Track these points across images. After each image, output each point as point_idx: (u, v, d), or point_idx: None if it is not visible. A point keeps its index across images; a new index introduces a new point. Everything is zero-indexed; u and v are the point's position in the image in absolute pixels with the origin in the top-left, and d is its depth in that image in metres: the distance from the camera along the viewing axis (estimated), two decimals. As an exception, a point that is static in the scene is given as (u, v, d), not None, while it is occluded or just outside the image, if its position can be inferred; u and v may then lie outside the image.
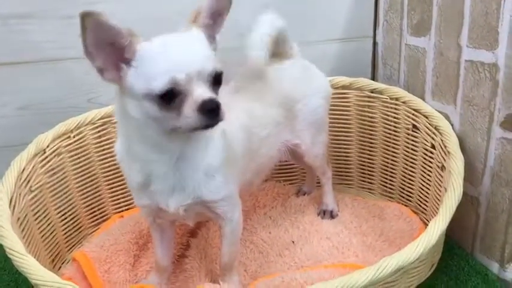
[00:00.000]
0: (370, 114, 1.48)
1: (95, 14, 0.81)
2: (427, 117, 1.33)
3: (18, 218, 1.11)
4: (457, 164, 1.16)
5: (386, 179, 1.50)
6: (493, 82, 1.14)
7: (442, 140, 1.25)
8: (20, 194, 1.14)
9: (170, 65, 0.86)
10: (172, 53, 0.88)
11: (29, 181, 1.19)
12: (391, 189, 1.50)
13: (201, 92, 0.87)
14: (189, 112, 0.86)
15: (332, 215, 1.42)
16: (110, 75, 0.88)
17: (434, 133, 1.29)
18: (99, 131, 1.37)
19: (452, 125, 1.28)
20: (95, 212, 1.40)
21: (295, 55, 1.31)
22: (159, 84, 0.84)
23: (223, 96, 0.94)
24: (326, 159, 1.40)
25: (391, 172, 1.49)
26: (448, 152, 1.21)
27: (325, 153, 1.38)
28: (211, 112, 0.86)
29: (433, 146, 1.30)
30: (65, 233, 1.32)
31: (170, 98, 0.86)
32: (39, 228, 1.21)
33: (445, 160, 1.22)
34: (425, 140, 1.34)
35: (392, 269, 0.99)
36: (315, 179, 1.51)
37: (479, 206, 1.24)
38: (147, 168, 0.97)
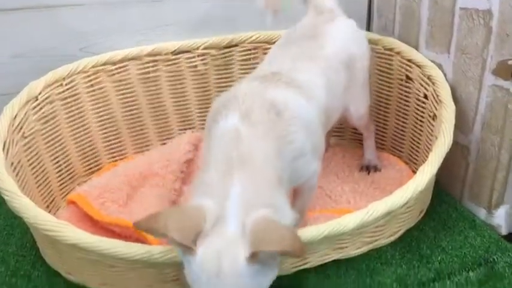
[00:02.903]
0: (364, 65, 1.48)
1: None
2: (420, 68, 1.32)
3: (12, 163, 1.12)
4: (448, 113, 1.17)
5: (379, 130, 1.50)
6: (487, 29, 1.13)
7: (434, 90, 1.26)
8: (13, 140, 1.14)
9: None
10: None
11: (21, 127, 1.19)
12: (383, 140, 1.51)
13: None
14: None
15: (376, 170, 1.40)
16: None
17: (427, 83, 1.30)
18: (91, 80, 1.36)
19: (445, 74, 1.28)
20: (89, 160, 1.41)
21: (341, 13, 1.30)
22: None
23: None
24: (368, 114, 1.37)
25: (383, 123, 1.49)
26: (440, 101, 1.21)
27: (368, 110, 1.35)
28: None
29: (425, 96, 1.31)
30: (59, 181, 1.33)
31: None
32: (33, 174, 1.22)
33: (436, 109, 1.23)
34: (418, 91, 1.34)
35: (380, 213, 1.01)
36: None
37: (469, 154, 1.26)
38: None
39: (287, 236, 0.77)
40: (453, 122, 1.15)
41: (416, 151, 1.37)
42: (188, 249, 0.76)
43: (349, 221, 0.98)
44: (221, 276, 0.75)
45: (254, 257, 0.76)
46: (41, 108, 1.26)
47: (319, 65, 1.14)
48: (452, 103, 1.19)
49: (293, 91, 1.04)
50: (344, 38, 1.23)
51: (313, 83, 1.09)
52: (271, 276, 0.82)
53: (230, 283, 0.76)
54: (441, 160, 1.09)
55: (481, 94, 1.18)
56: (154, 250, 0.90)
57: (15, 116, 1.18)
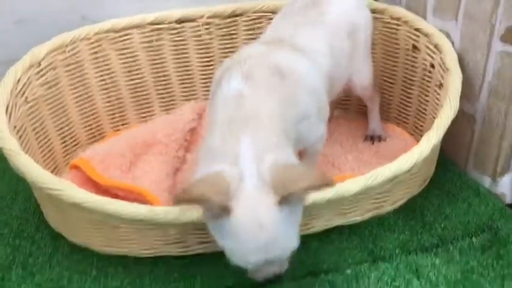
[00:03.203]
0: (370, 35, 1.46)
1: None
2: (427, 36, 1.31)
3: (15, 127, 1.12)
4: (454, 80, 1.16)
5: (384, 101, 1.49)
6: (496, -7, 1.11)
7: (441, 58, 1.24)
8: (16, 104, 1.14)
9: None
10: None
11: (24, 92, 1.19)
12: (388, 110, 1.49)
13: None
14: None
15: (381, 140, 1.40)
16: None
17: (434, 51, 1.28)
18: (94, 47, 1.35)
19: (452, 42, 1.26)
20: (92, 128, 1.40)
21: None
22: None
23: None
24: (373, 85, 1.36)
25: (389, 94, 1.48)
26: (447, 68, 1.20)
27: (372, 81, 1.34)
28: None
29: (432, 65, 1.29)
30: (63, 148, 1.32)
31: None
32: (36, 139, 1.22)
33: (443, 78, 1.22)
34: (425, 60, 1.32)
35: (384, 178, 1.01)
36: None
37: (475, 123, 1.25)
38: None
39: (308, 172, 0.80)
40: (459, 89, 1.14)
41: (422, 122, 1.36)
42: (225, 211, 0.77)
43: (353, 185, 0.98)
44: (259, 229, 0.76)
45: (283, 201, 0.77)
46: (44, 74, 1.25)
47: (322, 31, 1.13)
48: (459, 70, 1.18)
49: (297, 54, 1.03)
50: (347, 8, 1.22)
51: (316, 48, 1.09)
52: (299, 219, 0.83)
53: (269, 233, 0.77)
54: (446, 126, 1.08)
55: (489, 61, 1.17)
56: (158, 210, 0.90)
57: (18, 81, 1.17)
